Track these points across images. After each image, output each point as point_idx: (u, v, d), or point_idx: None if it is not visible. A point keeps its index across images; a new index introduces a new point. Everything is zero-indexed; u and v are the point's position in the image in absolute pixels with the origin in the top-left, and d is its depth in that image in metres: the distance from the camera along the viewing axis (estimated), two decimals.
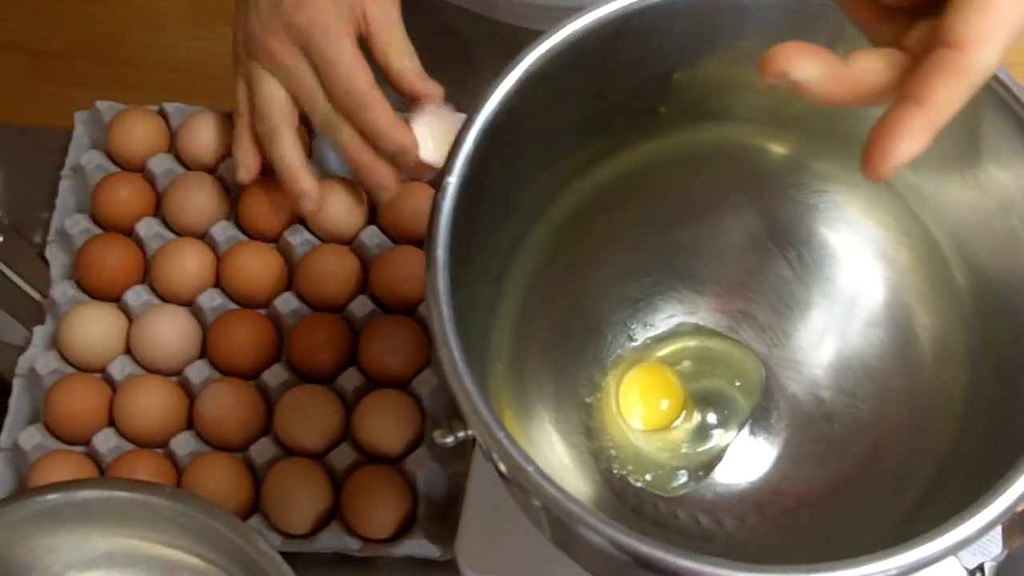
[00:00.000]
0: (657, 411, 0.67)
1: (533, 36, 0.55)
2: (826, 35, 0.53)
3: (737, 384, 0.66)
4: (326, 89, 0.73)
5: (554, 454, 0.64)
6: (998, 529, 0.66)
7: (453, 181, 0.51)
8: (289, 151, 0.75)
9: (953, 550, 0.46)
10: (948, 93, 0.41)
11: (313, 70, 0.73)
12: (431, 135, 0.79)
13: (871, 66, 0.43)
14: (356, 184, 0.80)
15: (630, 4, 0.55)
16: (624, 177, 0.64)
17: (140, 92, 1.82)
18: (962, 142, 0.55)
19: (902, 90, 0.42)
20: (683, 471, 0.65)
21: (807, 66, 0.42)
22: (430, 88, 0.74)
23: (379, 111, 0.72)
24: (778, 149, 0.64)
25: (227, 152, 0.82)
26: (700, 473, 0.65)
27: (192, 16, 1.91)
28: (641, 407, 0.67)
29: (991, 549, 0.79)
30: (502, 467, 0.48)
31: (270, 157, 0.76)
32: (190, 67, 1.85)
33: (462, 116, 0.78)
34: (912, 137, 0.41)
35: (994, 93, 0.52)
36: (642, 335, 0.68)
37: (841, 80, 0.43)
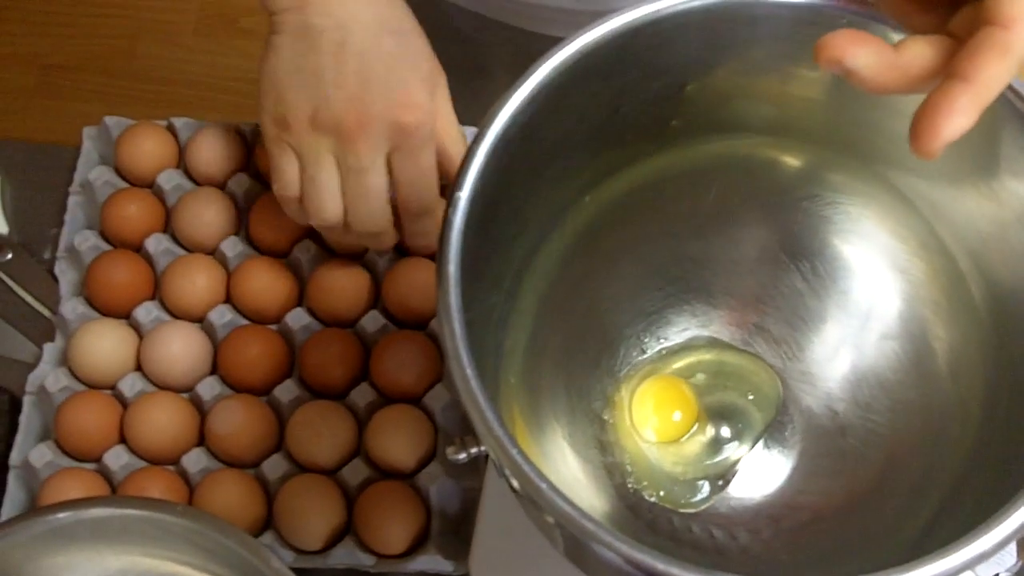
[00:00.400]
0: (670, 423, 0.67)
1: (548, 42, 0.54)
2: None
3: (751, 398, 0.66)
4: (399, 192, 0.71)
5: (567, 468, 0.64)
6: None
7: (464, 196, 0.51)
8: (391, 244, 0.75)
9: (969, 565, 0.46)
10: (995, 71, 0.42)
11: (386, 169, 0.70)
12: None
13: (920, 52, 0.44)
14: None
15: (642, 16, 0.54)
16: (637, 190, 0.64)
17: (149, 106, 1.82)
18: (978, 153, 0.55)
19: (949, 68, 0.43)
20: (697, 485, 0.65)
21: (861, 54, 0.43)
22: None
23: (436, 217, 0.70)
24: (791, 161, 0.64)
25: (237, 167, 0.81)
26: (714, 487, 0.65)
27: (201, 30, 1.91)
28: (655, 419, 0.67)
29: (1006, 560, 0.78)
30: (515, 483, 0.47)
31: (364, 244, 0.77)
32: (200, 81, 1.85)
33: (471, 130, 0.78)
34: (961, 113, 0.42)
35: (1009, 104, 0.51)
36: (655, 348, 0.68)
37: (892, 67, 0.44)
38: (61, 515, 0.63)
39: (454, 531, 0.74)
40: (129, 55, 1.90)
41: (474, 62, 0.90)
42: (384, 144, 0.68)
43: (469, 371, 0.48)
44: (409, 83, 0.68)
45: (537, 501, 0.47)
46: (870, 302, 0.65)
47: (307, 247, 0.79)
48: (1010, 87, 0.51)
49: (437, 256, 0.50)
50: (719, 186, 0.65)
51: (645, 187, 0.64)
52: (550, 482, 0.47)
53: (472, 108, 0.76)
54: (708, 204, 0.65)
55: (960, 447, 0.59)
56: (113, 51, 1.90)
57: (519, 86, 0.53)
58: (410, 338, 0.76)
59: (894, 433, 0.63)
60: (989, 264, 0.58)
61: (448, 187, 0.54)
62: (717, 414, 0.67)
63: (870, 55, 0.43)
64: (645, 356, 0.67)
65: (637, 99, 0.59)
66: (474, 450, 0.55)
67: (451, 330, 0.48)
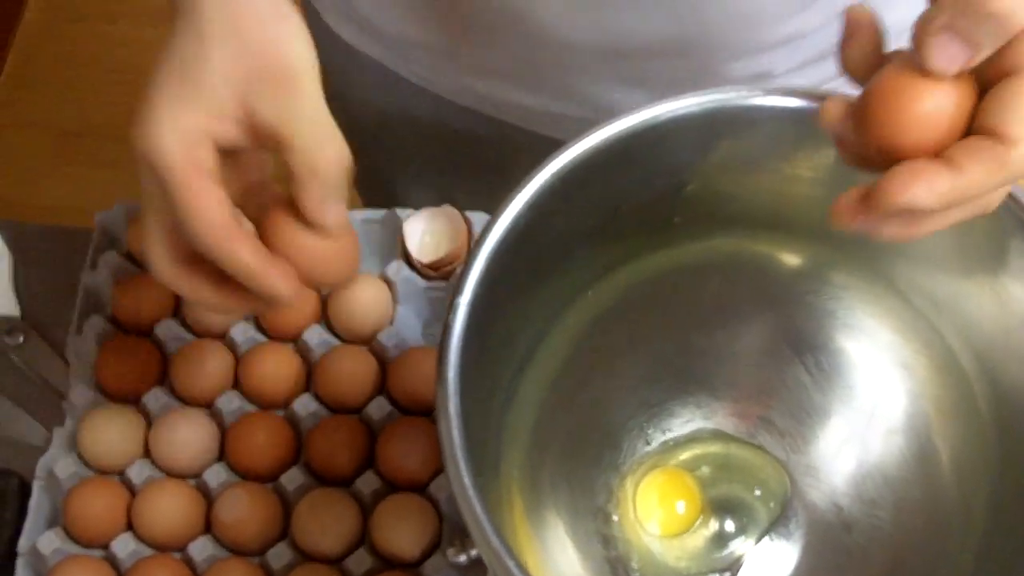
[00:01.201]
0: (675, 516, 0.67)
1: (550, 143, 0.55)
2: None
3: (758, 493, 0.66)
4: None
5: (569, 563, 0.64)
6: None
7: (464, 301, 0.51)
8: None
9: None
10: (982, 178, 0.42)
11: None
12: (428, 231, 0.80)
13: None
14: (379, 280, 0.80)
15: (641, 120, 0.55)
16: (638, 284, 0.64)
17: None
18: (980, 257, 0.55)
19: (946, 153, 0.43)
20: None
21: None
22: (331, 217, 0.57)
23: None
24: (792, 257, 0.64)
25: None
26: None
27: None
28: (659, 511, 0.67)
29: None
30: None
31: None
32: None
33: (468, 216, 0.79)
34: (926, 183, 0.42)
35: (1014, 215, 0.52)
36: (659, 440, 0.68)
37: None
38: None
39: None
40: None
41: (482, 159, 0.91)
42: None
43: (467, 480, 0.48)
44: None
45: None
46: (874, 397, 0.65)
47: (316, 333, 0.79)
48: (1014, 199, 0.52)
49: (437, 361, 0.51)
50: (721, 280, 0.65)
51: (647, 282, 0.64)
52: None
53: (476, 203, 0.77)
54: (710, 297, 0.66)
55: (965, 547, 0.59)
56: (128, 118, 1.92)
57: (519, 192, 0.53)
58: (416, 425, 0.76)
59: (898, 530, 0.63)
60: (993, 365, 0.58)
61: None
62: (722, 508, 0.67)
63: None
64: (649, 448, 0.68)
65: (638, 199, 0.59)
66: (474, 552, 0.55)
67: (450, 438, 0.49)
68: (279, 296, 0.54)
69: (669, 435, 0.68)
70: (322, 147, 0.54)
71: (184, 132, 0.53)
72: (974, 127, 0.43)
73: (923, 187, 0.42)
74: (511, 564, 0.47)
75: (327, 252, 0.57)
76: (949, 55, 0.42)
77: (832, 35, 0.47)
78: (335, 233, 0.56)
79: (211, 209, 0.53)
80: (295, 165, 0.54)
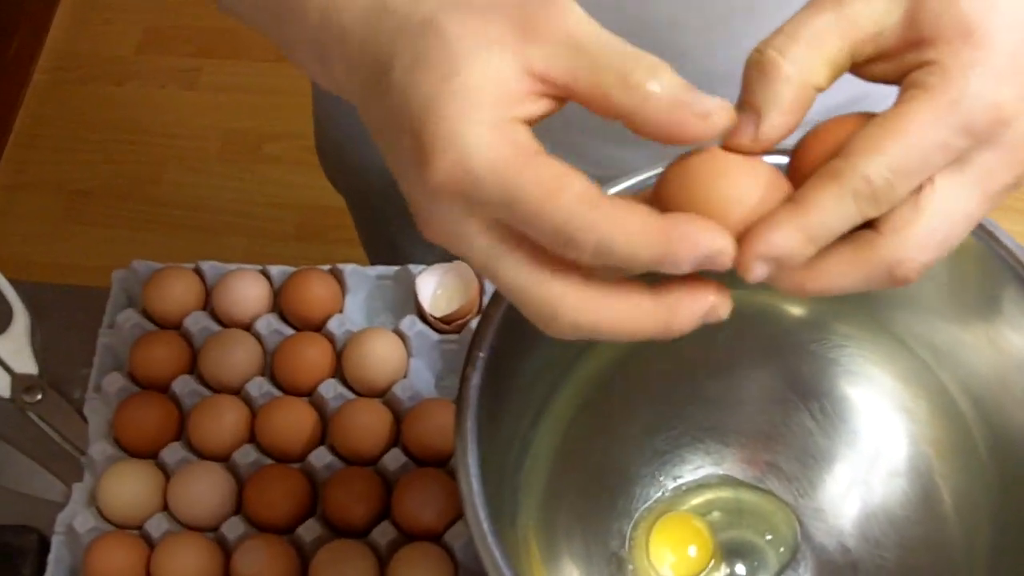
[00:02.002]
0: (687, 559, 0.68)
1: None
2: None
3: (769, 538, 0.67)
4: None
5: None
6: None
7: (482, 355, 0.53)
8: None
9: None
10: (824, 199, 0.42)
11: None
12: (440, 286, 0.82)
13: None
14: (393, 334, 0.82)
15: (644, 179, 0.57)
16: None
17: (174, 231, 1.86)
18: (976, 306, 0.57)
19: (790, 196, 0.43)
20: None
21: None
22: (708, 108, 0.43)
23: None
24: (796, 310, 0.66)
25: (262, 309, 0.84)
26: None
27: (227, 156, 1.96)
28: (671, 555, 0.68)
29: None
30: None
31: None
32: (224, 207, 1.89)
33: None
34: (777, 230, 0.41)
35: (1001, 259, 0.53)
36: (671, 486, 0.69)
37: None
38: None
39: None
40: (155, 181, 1.94)
41: None
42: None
43: (486, 526, 0.50)
44: None
45: None
46: (877, 441, 0.66)
47: (331, 387, 0.81)
48: (1007, 249, 0.53)
49: (455, 412, 0.52)
50: (728, 330, 0.66)
51: None
52: None
53: None
54: (718, 347, 0.67)
55: None
56: (139, 177, 1.95)
57: None
58: (431, 476, 0.77)
59: (903, 569, 0.64)
60: (990, 408, 0.60)
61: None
62: (733, 552, 0.68)
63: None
64: (661, 494, 0.69)
65: None
66: None
67: (469, 488, 0.50)
68: (713, 254, 0.41)
69: (680, 481, 0.69)
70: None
71: (491, 125, 0.42)
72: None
73: (774, 235, 0.42)
74: None
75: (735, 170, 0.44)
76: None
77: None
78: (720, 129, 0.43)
79: (561, 188, 0.41)
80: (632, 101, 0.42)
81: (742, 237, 0.42)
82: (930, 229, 0.43)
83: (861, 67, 0.45)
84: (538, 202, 0.40)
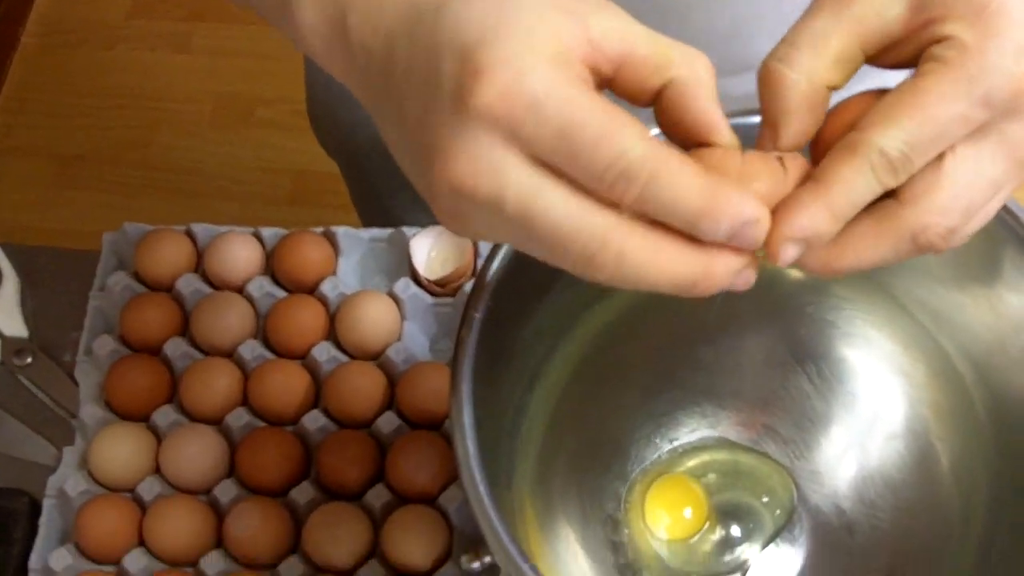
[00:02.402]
0: (682, 520, 0.68)
1: None
2: None
3: (765, 500, 0.67)
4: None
5: (580, 571, 0.65)
6: None
7: (478, 316, 0.53)
8: None
9: None
10: (844, 172, 0.42)
11: None
12: (435, 248, 0.81)
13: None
14: (387, 297, 0.81)
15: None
16: (645, 298, 0.65)
17: (166, 196, 1.85)
18: (975, 268, 0.56)
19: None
20: None
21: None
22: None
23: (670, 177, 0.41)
24: (794, 270, 0.65)
25: (254, 271, 0.83)
26: None
27: (218, 121, 1.94)
28: (667, 517, 0.68)
29: None
30: None
31: None
32: (217, 171, 1.88)
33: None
34: (802, 211, 0.42)
35: (1007, 226, 0.53)
36: (667, 448, 0.69)
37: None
38: None
39: None
40: (146, 146, 1.93)
41: None
42: None
43: (482, 488, 0.49)
44: None
45: None
46: (875, 404, 0.66)
47: (324, 349, 0.80)
48: (1007, 210, 0.53)
49: (451, 373, 0.52)
50: (725, 293, 0.66)
51: (653, 295, 0.65)
52: None
53: None
54: (715, 310, 0.66)
55: (965, 547, 0.60)
56: (131, 142, 1.93)
57: None
58: (424, 439, 0.77)
59: (899, 531, 0.64)
60: (989, 371, 0.59)
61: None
62: (729, 514, 0.68)
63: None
64: (657, 457, 0.69)
65: None
66: (488, 559, 0.56)
67: (464, 449, 0.50)
68: (751, 222, 0.41)
69: (676, 443, 0.69)
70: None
71: (553, 56, 0.40)
72: None
73: (800, 215, 0.42)
74: (526, 568, 0.48)
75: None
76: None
77: None
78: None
79: (623, 123, 0.40)
80: (680, 76, 0.43)
81: (773, 214, 0.42)
82: (952, 194, 0.43)
83: (876, 58, 0.45)
84: (599, 130, 0.39)
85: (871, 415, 0.66)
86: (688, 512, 0.68)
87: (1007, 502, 0.58)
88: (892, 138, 0.41)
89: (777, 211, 0.42)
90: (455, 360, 0.51)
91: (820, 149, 0.44)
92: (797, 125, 0.44)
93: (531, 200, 0.40)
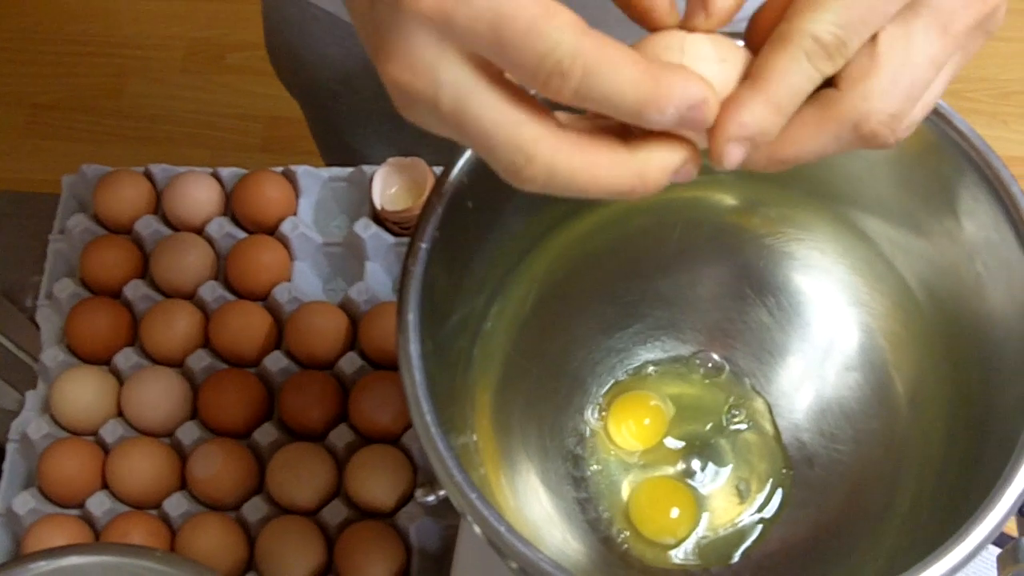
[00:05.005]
0: (643, 428, 0.67)
1: None
2: None
3: (724, 433, 0.67)
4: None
5: (541, 506, 0.65)
6: (993, 558, 0.66)
7: (424, 245, 0.52)
8: None
9: None
10: (780, 64, 0.41)
11: None
12: (395, 183, 0.80)
13: None
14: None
15: None
16: (600, 230, 0.65)
17: (137, 144, 1.84)
18: (932, 193, 0.56)
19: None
20: None
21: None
22: None
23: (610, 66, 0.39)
24: (752, 201, 0.64)
25: (214, 212, 0.82)
26: None
27: (189, 67, 1.93)
28: (630, 424, 0.67)
29: None
30: (477, 529, 0.48)
31: None
32: (187, 117, 1.87)
33: (435, 171, 0.80)
34: (743, 108, 0.41)
35: (955, 144, 0.53)
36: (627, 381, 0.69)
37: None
38: (40, 564, 0.64)
39: (435, 569, 0.75)
40: (117, 93, 1.91)
41: None
42: None
43: (429, 417, 0.49)
44: None
45: (498, 545, 0.48)
46: (832, 334, 0.66)
47: (285, 290, 0.80)
48: (956, 129, 0.52)
49: (397, 304, 0.51)
50: (684, 225, 0.66)
51: (608, 227, 0.65)
52: (509, 525, 0.48)
53: (436, 151, 0.77)
54: (673, 243, 0.66)
55: (923, 477, 0.60)
56: (101, 90, 1.92)
57: None
58: (387, 379, 0.77)
59: (858, 462, 0.64)
60: (944, 297, 0.59)
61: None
62: (689, 447, 0.68)
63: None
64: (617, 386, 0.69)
65: None
66: (442, 492, 0.56)
67: (411, 378, 0.49)
68: (699, 103, 0.39)
69: (637, 375, 0.69)
70: None
71: None
72: None
73: (743, 113, 0.41)
74: (473, 496, 0.48)
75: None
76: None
77: None
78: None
79: (554, 12, 0.38)
80: None
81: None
82: (891, 76, 0.42)
83: None
84: (528, 22, 0.38)
85: (829, 346, 0.66)
86: (647, 421, 0.68)
87: (962, 431, 0.58)
88: (822, 22, 0.40)
89: (720, 113, 0.41)
90: (401, 290, 0.51)
91: (758, 37, 0.43)
92: None
93: (464, 102, 0.39)
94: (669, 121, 0.39)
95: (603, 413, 0.67)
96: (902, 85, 0.42)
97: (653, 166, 0.41)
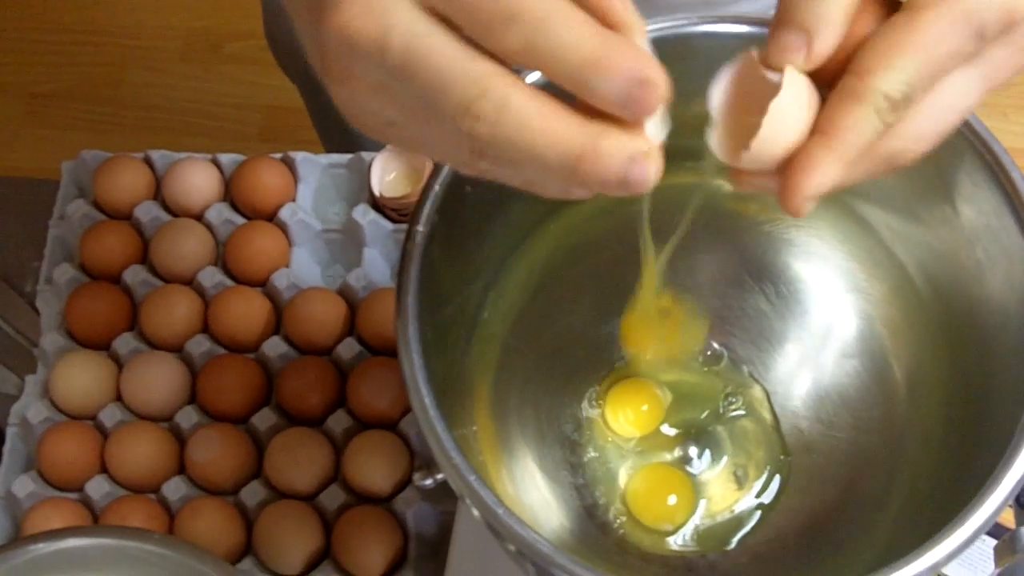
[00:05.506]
0: (641, 414, 0.67)
1: None
2: None
3: (722, 421, 0.67)
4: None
5: (538, 492, 0.65)
6: (990, 549, 0.66)
7: (422, 230, 0.52)
8: None
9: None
10: (851, 121, 0.42)
11: None
12: (393, 170, 0.80)
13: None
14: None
15: None
16: (599, 216, 0.65)
17: (136, 133, 1.84)
18: (929, 178, 0.56)
19: (814, 124, 0.43)
20: None
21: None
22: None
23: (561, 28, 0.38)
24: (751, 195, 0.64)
25: (213, 198, 0.83)
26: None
27: (188, 56, 1.93)
28: (628, 412, 0.68)
29: (985, 567, 0.79)
30: (475, 511, 0.48)
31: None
32: (186, 107, 1.87)
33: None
34: (820, 169, 0.42)
35: (965, 139, 0.53)
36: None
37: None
38: (39, 546, 0.64)
39: (432, 554, 0.75)
40: (116, 83, 1.91)
41: None
42: None
43: (427, 400, 0.49)
44: None
45: (495, 527, 0.48)
46: (831, 321, 0.66)
47: (284, 276, 0.80)
48: (966, 123, 0.52)
49: (396, 289, 0.51)
50: (680, 213, 0.66)
51: (606, 213, 0.65)
52: (507, 508, 0.48)
53: None
54: (672, 230, 0.66)
55: (919, 464, 0.60)
56: (100, 79, 1.92)
57: None
58: (385, 365, 0.77)
59: (857, 450, 0.64)
60: (943, 284, 0.59)
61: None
62: (686, 435, 0.68)
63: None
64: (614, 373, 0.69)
65: None
66: (440, 476, 0.56)
67: (410, 361, 0.49)
68: (648, 80, 0.38)
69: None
70: None
71: None
72: None
73: (819, 176, 0.42)
74: (472, 479, 0.48)
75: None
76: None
77: None
78: None
79: None
80: None
81: (788, 170, 0.42)
82: (934, 122, 0.43)
83: None
84: None
85: (828, 333, 0.66)
86: (645, 408, 0.68)
87: (962, 418, 0.58)
88: (895, 82, 0.41)
89: (794, 169, 0.42)
90: (400, 273, 0.51)
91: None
92: (835, 35, 0.42)
93: (416, 42, 0.38)
94: (613, 92, 0.38)
95: (600, 400, 0.68)
96: (940, 128, 0.44)
97: (610, 140, 0.39)
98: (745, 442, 0.67)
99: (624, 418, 0.67)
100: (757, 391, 0.67)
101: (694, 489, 0.66)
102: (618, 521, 0.65)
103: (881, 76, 0.41)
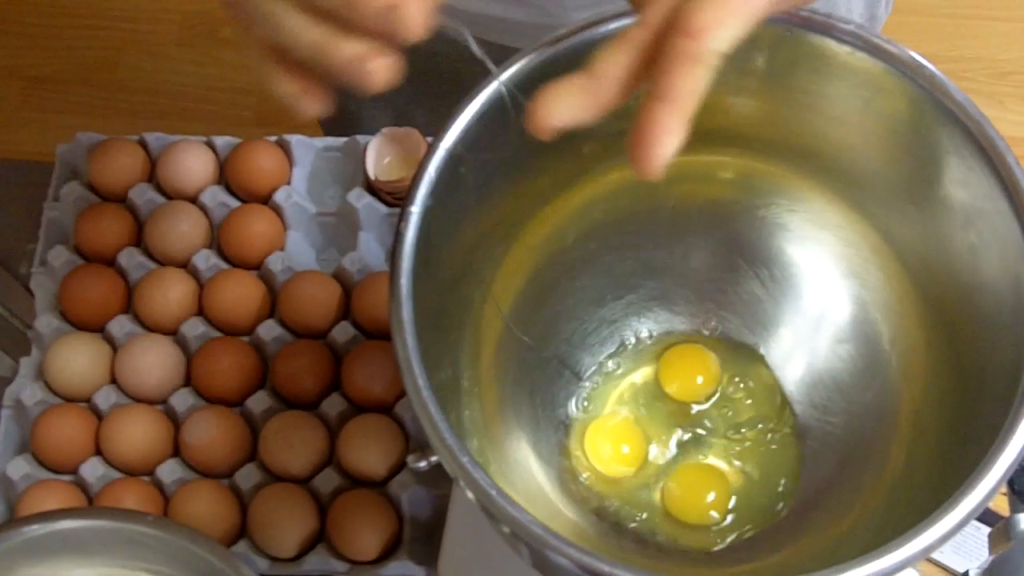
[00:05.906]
0: (623, 455, 0.67)
1: (508, 52, 0.55)
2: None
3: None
4: None
5: (533, 475, 0.65)
6: (985, 536, 0.66)
7: (416, 210, 0.52)
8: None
9: (910, 562, 0.47)
10: (691, 84, 0.43)
11: None
12: (389, 153, 0.80)
13: (613, 65, 0.45)
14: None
15: (596, 31, 0.55)
16: (595, 201, 0.65)
17: (132, 117, 1.83)
18: (922, 162, 0.56)
19: (650, 89, 0.43)
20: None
21: (564, 107, 0.45)
22: None
23: None
24: (746, 172, 0.64)
25: (208, 181, 0.82)
26: None
27: (184, 40, 1.92)
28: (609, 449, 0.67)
29: (979, 555, 0.79)
30: (469, 493, 0.48)
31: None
32: (182, 91, 1.86)
33: (426, 139, 0.80)
34: (668, 133, 0.43)
35: (948, 111, 0.53)
36: (618, 355, 0.69)
37: (595, 97, 0.45)
38: (33, 527, 0.64)
39: (426, 538, 0.75)
40: (112, 67, 1.91)
41: (448, 76, 0.91)
42: None
43: (421, 382, 0.49)
44: None
45: (489, 508, 0.48)
46: (825, 306, 0.66)
47: (279, 259, 0.80)
48: (948, 95, 0.52)
49: (389, 270, 0.51)
50: (677, 196, 0.66)
51: (603, 198, 0.65)
52: (500, 489, 0.48)
53: (432, 117, 0.77)
54: (667, 214, 0.66)
55: (913, 448, 0.60)
56: (96, 63, 1.91)
57: (469, 101, 0.54)
58: (380, 348, 0.77)
59: (850, 434, 0.64)
60: (937, 269, 0.59)
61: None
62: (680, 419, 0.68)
63: (571, 102, 0.45)
64: (609, 362, 0.69)
65: None
66: (434, 458, 0.56)
67: (403, 343, 0.49)
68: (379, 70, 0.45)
69: (629, 348, 0.69)
70: None
71: None
72: None
73: (670, 139, 0.43)
74: (465, 460, 0.48)
75: None
76: None
77: None
78: None
79: None
80: None
81: (640, 139, 0.43)
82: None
83: None
84: None
85: (822, 319, 0.66)
86: (626, 448, 0.67)
87: (957, 404, 0.58)
88: (726, 39, 0.43)
89: (647, 137, 0.43)
90: (393, 255, 0.51)
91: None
92: None
93: None
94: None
95: (577, 451, 0.67)
96: None
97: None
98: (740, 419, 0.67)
99: (611, 459, 0.67)
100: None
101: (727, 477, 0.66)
102: (613, 506, 0.65)
103: (712, 36, 0.43)
